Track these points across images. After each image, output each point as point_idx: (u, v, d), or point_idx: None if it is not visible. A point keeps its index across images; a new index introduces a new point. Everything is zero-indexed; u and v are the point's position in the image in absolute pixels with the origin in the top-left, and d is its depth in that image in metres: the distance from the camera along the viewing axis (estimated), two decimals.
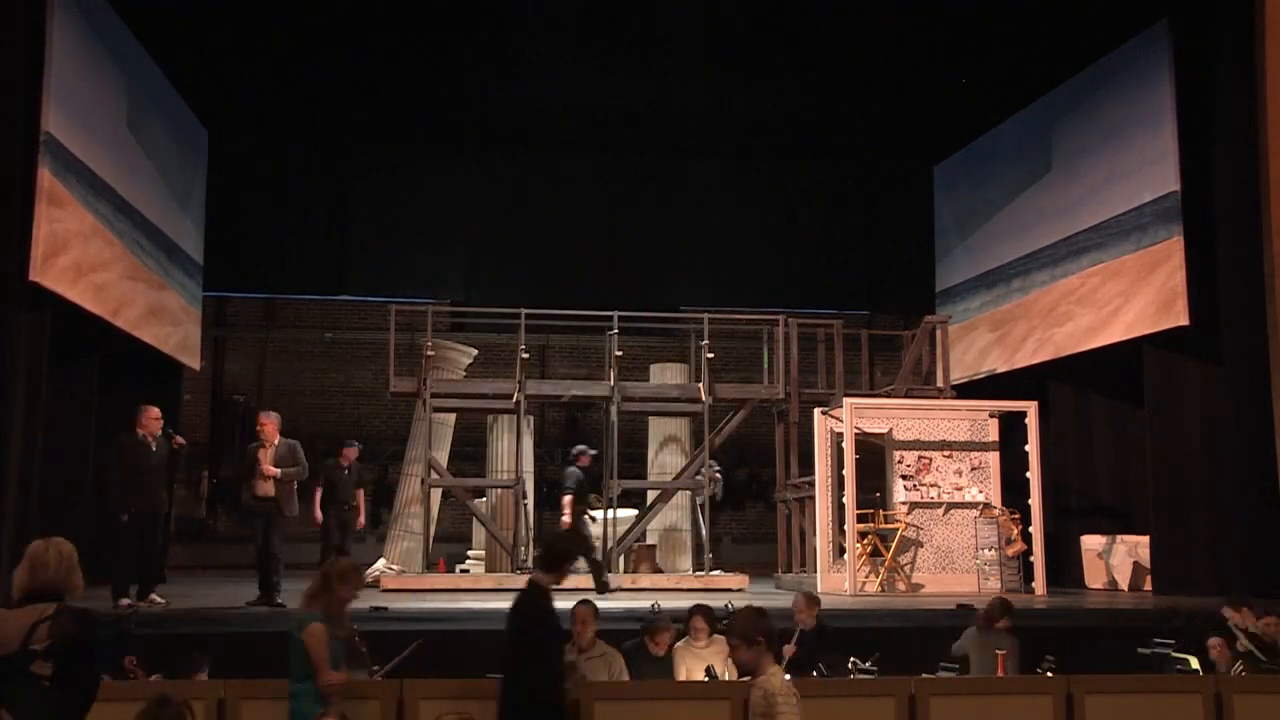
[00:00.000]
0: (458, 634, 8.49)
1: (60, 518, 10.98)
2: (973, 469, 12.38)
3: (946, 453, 12.40)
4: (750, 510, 19.21)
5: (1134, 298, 12.15)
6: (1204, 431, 11.71)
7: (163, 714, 4.32)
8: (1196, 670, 7.59)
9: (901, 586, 12.01)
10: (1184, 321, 11.45)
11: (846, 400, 12.20)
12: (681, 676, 7.16)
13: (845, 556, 11.82)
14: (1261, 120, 10.95)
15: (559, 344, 19.00)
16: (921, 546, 12.20)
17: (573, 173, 15.96)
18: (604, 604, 10.23)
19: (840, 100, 14.79)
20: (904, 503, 12.23)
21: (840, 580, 11.80)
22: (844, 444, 11.93)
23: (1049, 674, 7.14)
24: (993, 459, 12.43)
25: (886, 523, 12.07)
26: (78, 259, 10.60)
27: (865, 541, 11.97)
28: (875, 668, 7.27)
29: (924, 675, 6.90)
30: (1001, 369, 14.68)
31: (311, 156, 15.67)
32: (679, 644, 7.46)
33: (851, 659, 7.33)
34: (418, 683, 6.06)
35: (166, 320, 13.24)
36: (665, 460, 14.57)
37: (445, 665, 6.95)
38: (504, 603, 10.19)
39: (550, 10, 13.01)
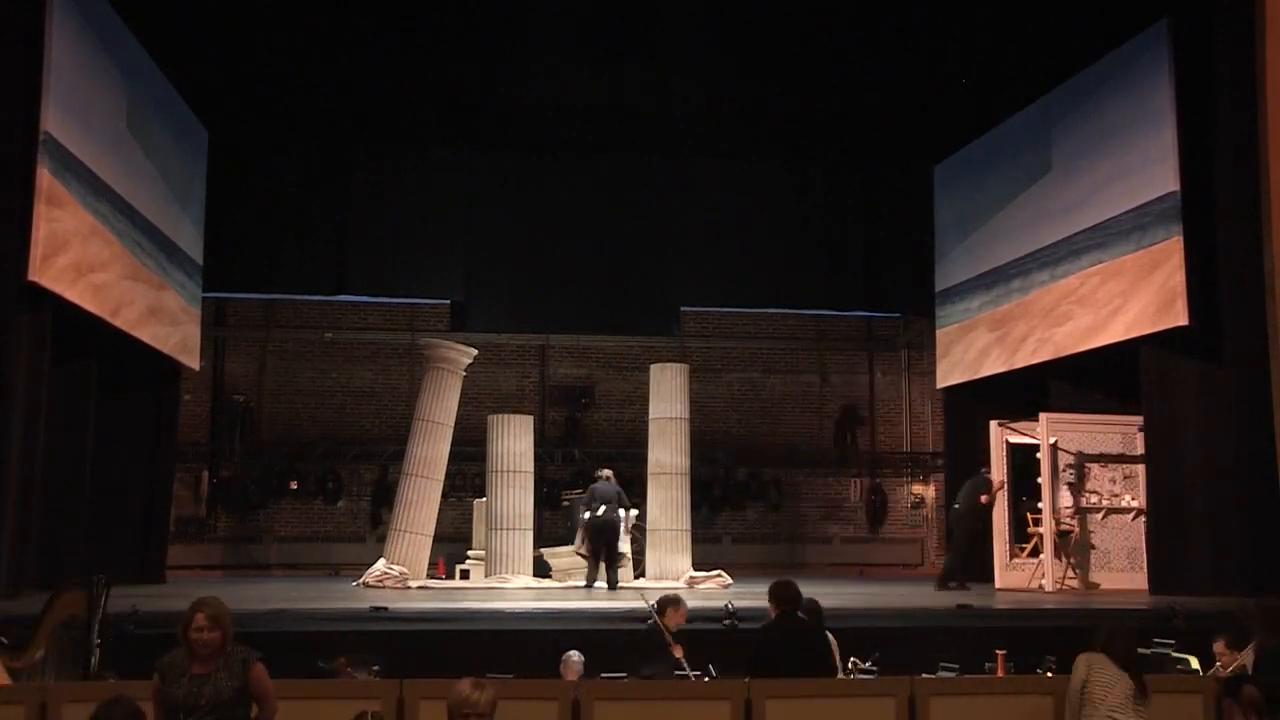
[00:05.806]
0: (458, 634, 8.49)
1: (60, 518, 11.04)
2: (1124, 478, 13.28)
3: (1103, 464, 13.29)
4: (750, 510, 19.19)
5: (1134, 298, 12.13)
6: (1203, 431, 11.69)
7: (115, 713, 4.29)
8: (1196, 670, 7.58)
9: (1077, 584, 12.81)
10: (1184, 321, 11.42)
11: (1043, 415, 13.00)
12: None
13: (1036, 557, 12.96)
14: (1261, 120, 10.91)
15: (559, 344, 19.01)
16: (1094, 549, 13.08)
17: (573, 172, 15.91)
18: (603, 605, 10.32)
19: (840, 100, 14.76)
20: (1069, 508, 13.03)
21: (1018, 578, 13.03)
22: (1039, 455, 12.94)
23: (1049, 674, 7.14)
24: (1141, 470, 13.06)
25: (1058, 525, 12.87)
26: (77, 259, 10.60)
27: (1032, 543, 13.09)
28: (875, 668, 7.26)
29: (924, 675, 6.89)
30: (1001, 369, 14.67)
31: (311, 157, 15.63)
32: None
33: (852, 659, 7.32)
34: (418, 683, 6.05)
35: (166, 320, 13.23)
36: (662, 459, 14.60)
37: (445, 665, 6.94)
38: (504, 603, 10.26)
39: (550, 10, 13.00)
